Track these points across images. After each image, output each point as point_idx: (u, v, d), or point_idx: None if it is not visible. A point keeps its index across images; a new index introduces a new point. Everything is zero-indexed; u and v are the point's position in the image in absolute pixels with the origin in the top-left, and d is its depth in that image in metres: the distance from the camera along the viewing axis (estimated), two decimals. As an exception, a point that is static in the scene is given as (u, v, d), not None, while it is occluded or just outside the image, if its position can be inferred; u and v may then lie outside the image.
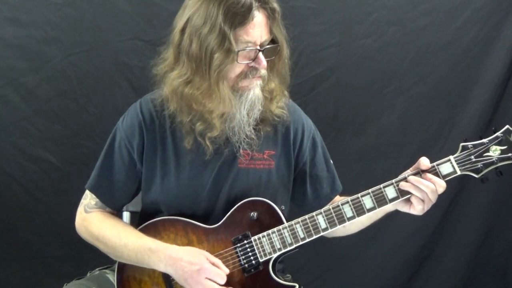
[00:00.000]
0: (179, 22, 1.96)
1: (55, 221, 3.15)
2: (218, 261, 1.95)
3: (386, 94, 3.27)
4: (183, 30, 1.94)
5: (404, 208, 1.97)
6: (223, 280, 1.92)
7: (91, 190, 2.12)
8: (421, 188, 1.89)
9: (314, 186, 2.19)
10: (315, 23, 3.19)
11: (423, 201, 1.90)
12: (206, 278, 1.90)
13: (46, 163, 3.13)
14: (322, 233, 1.96)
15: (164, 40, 3.09)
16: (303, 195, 2.20)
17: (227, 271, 1.94)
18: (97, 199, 2.11)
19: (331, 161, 2.25)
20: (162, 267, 1.95)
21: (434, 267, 3.38)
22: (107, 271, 2.21)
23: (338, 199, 2.19)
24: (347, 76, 3.26)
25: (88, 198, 2.13)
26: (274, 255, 1.98)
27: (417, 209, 1.93)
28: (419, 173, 1.91)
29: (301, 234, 1.96)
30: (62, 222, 3.10)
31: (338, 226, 1.95)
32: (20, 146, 3.10)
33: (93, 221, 2.09)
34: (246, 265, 1.98)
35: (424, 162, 1.91)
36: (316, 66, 3.23)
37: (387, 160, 3.27)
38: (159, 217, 2.07)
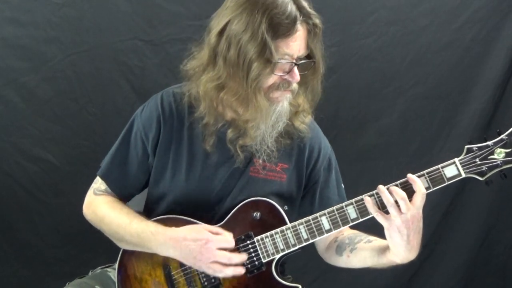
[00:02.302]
0: (218, 23, 1.92)
1: (55, 221, 3.15)
2: (219, 229, 1.94)
3: (386, 94, 3.28)
4: (221, 33, 1.90)
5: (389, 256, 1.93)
6: (232, 244, 1.92)
7: (102, 177, 2.12)
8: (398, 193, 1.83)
9: (323, 207, 2.11)
10: (315, 23, 3.19)
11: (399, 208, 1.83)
12: (217, 248, 1.90)
13: (46, 163, 3.12)
14: (325, 234, 1.95)
15: (165, 40, 3.11)
16: (310, 214, 2.17)
17: (231, 234, 1.94)
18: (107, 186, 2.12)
19: (343, 186, 2.24)
20: (164, 251, 1.94)
21: (434, 267, 3.39)
22: (108, 269, 2.21)
23: (345, 229, 2.13)
24: (347, 76, 3.26)
25: (99, 183, 2.13)
26: (277, 256, 1.97)
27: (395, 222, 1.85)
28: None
29: (304, 235, 1.95)
30: (62, 222, 3.11)
31: (342, 228, 1.94)
32: (20, 146, 3.09)
33: (101, 202, 2.09)
34: (249, 266, 1.97)
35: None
36: (316, 66, 3.23)
37: (387, 160, 3.27)
38: (163, 213, 2.06)
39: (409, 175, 1.84)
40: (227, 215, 2.02)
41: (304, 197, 2.17)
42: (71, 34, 3.06)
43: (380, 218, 1.85)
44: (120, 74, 3.13)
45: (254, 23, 1.82)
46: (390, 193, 1.82)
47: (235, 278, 1.97)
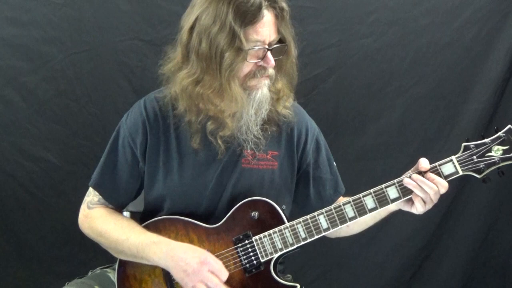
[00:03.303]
0: (187, 21, 1.96)
1: (55, 221, 3.15)
2: (220, 262, 1.95)
3: (386, 94, 3.27)
4: (191, 29, 1.94)
5: (405, 207, 1.97)
6: (224, 278, 1.92)
7: (95, 187, 2.12)
8: (425, 188, 1.89)
9: (317, 188, 2.20)
10: (315, 23, 3.19)
11: (424, 202, 1.91)
12: (209, 271, 1.90)
13: (46, 163, 3.13)
14: (323, 233, 1.96)
15: (165, 40, 3.10)
16: (306, 197, 2.20)
17: (227, 273, 1.94)
18: (100, 196, 2.12)
19: (334, 163, 2.25)
20: (162, 261, 1.95)
21: (434, 267, 3.39)
22: (108, 270, 2.22)
23: (341, 200, 2.20)
24: (347, 76, 3.26)
25: (91, 195, 2.13)
26: (276, 255, 1.98)
27: (418, 209, 1.93)
28: (421, 173, 1.91)
29: (302, 234, 1.96)
30: (62, 222, 3.12)
31: (340, 226, 1.95)
32: (20, 146, 3.10)
33: (96, 216, 2.09)
34: (247, 265, 1.98)
35: (423, 163, 1.91)
36: (316, 66, 3.23)
37: (387, 160, 3.27)
38: (162, 215, 2.07)
39: (432, 175, 1.91)
40: (226, 214, 2.02)
41: (299, 181, 2.19)
42: (71, 34, 3.07)
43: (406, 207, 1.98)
44: (120, 74, 3.13)
45: (221, 15, 1.86)
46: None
47: (233, 277, 1.97)
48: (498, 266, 3.40)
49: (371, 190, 1.93)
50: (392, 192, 1.92)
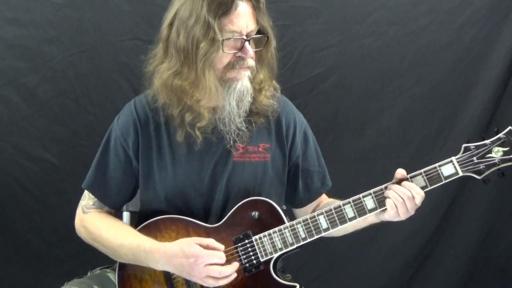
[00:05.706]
0: (167, 16, 2.01)
1: (55, 221, 3.15)
2: (210, 241, 1.93)
3: (386, 94, 3.27)
4: (171, 24, 1.98)
5: (380, 216, 1.98)
6: (222, 260, 1.91)
7: (88, 189, 2.13)
8: (399, 193, 1.91)
9: (305, 180, 2.21)
10: (315, 23, 3.19)
11: (396, 206, 1.92)
12: (206, 265, 1.89)
13: (46, 163, 3.12)
14: (323, 233, 1.97)
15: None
16: (294, 190, 2.22)
17: (222, 247, 1.94)
18: (95, 199, 2.12)
19: (322, 157, 2.26)
20: (160, 266, 1.95)
21: (434, 267, 3.39)
22: (107, 270, 2.22)
23: (324, 198, 2.24)
24: (347, 76, 3.26)
25: (86, 199, 2.14)
26: (275, 255, 1.98)
27: (390, 214, 1.94)
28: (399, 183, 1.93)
29: (302, 234, 1.97)
30: (62, 222, 3.10)
31: (340, 227, 1.96)
32: (20, 146, 3.10)
33: (90, 221, 2.09)
34: (247, 265, 1.98)
35: (399, 171, 1.94)
36: (316, 66, 3.23)
37: (387, 160, 3.26)
38: (159, 215, 2.07)
39: (407, 183, 1.92)
40: (223, 210, 2.04)
41: (288, 173, 2.19)
42: (71, 34, 3.07)
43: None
44: (120, 74, 3.12)
45: (197, 8, 1.90)
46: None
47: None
48: (498, 266, 3.40)
49: (371, 191, 1.94)
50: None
